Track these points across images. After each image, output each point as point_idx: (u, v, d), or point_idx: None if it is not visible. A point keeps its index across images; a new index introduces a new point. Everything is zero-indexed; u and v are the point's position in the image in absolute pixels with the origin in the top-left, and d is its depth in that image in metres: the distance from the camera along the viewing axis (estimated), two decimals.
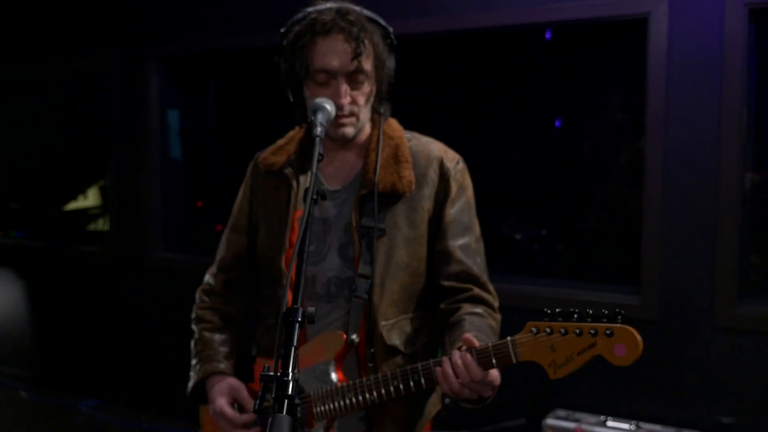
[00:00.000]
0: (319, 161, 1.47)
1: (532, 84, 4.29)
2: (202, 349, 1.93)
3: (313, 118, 1.55)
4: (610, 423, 3.22)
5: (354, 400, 1.67)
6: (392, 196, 1.75)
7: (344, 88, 1.67)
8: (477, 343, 1.55)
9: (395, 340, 1.76)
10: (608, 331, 1.44)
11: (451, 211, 1.79)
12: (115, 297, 4.95)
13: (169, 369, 4.12)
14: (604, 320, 1.45)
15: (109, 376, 5.00)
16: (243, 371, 1.95)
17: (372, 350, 1.74)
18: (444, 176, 1.79)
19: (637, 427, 3.19)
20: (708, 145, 3.14)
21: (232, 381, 1.87)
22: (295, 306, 1.22)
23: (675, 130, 3.21)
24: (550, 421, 3.27)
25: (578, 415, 3.30)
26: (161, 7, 4.63)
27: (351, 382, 1.68)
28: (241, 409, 1.85)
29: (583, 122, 4.25)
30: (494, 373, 1.56)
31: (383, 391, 1.64)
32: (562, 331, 1.47)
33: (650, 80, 3.24)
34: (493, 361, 1.51)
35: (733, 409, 3.12)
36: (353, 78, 1.68)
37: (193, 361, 1.94)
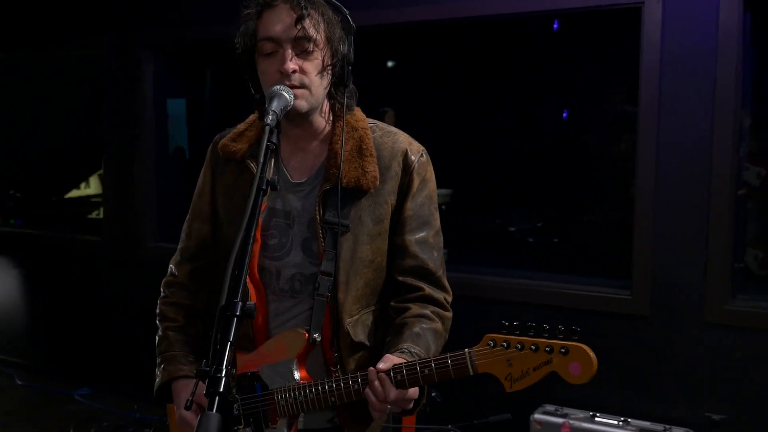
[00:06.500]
0: (272, 150, 1.43)
1: (534, 74, 4.24)
2: (166, 349, 1.89)
3: (267, 105, 1.51)
4: (598, 418, 3.18)
5: (316, 398, 1.64)
6: (356, 192, 1.71)
7: (289, 53, 1.62)
8: (389, 365, 1.56)
9: (361, 335, 1.75)
10: (563, 349, 1.43)
11: (411, 205, 1.76)
12: (110, 286, 4.94)
13: None
14: (560, 337, 1.44)
15: (103, 365, 5.00)
16: None
17: (337, 348, 1.73)
18: (407, 169, 1.75)
19: (626, 422, 3.15)
20: (701, 137, 3.08)
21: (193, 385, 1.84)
22: (234, 300, 1.18)
23: (668, 122, 3.15)
24: (538, 416, 3.23)
25: (566, 410, 3.26)
26: None
27: (313, 382, 1.66)
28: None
29: (586, 114, 4.21)
30: (411, 390, 1.57)
31: (345, 391, 1.62)
32: (519, 346, 1.47)
33: (643, 70, 3.18)
34: (450, 368, 1.52)
35: (723, 405, 3.07)
36: (299, 45, 1.62)
37: (158, 360, 1.91)
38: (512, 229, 4.16)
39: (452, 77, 4.37)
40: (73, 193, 7.18)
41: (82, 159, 6.69)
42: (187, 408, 1.11)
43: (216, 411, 1.05)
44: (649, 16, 3.15)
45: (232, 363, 1.13)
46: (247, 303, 1.19)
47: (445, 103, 4.40)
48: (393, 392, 1.54)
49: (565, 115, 4.57)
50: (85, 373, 5.07)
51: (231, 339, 1.14)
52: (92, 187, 7.26)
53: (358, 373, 1.62)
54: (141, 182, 4.76)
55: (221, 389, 1.07)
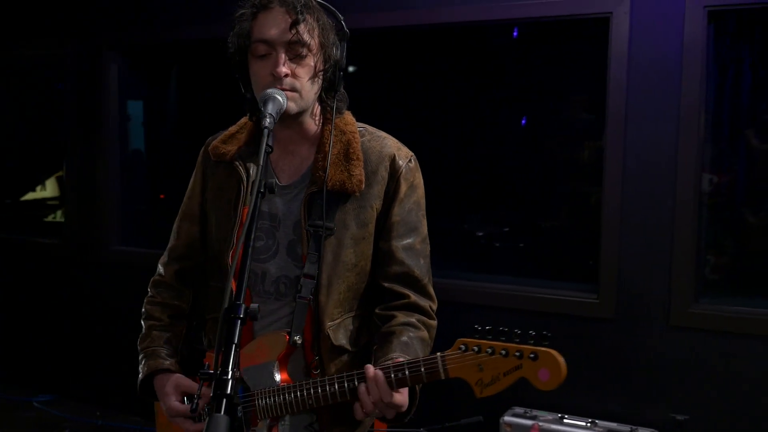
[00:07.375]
0: (268, 153, 1.43)
1: (497, 81, 4.29)
2: (148, 346, 1.89)
3: (262, 108, 1.51)
4: (566, 420, 3.23)
5: (296, 400, 1.64)
6: (341, 195, 1.72)
7: (282, 57, 1.62)
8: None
9: (342, 339, 1.75)
10: (532, 355, 1.42)
11: (399, 210, 1.76)
12: (71, 290, 4.84)
13: (124, 364, 4.03)
14: (531, 342, 1.44)
15: (63, 370, 4.90)
16: (194, 364, 1.91)
17: (318, 352, 1.73)
18: (394, 174, 1.76)
19: (593, 424, 3.20)
20: (667, 146, 3.16)
21: (177, 377, 1.83)
22: (237, 302, 1.18)
23: (634, 131, 3.22)
24: (507, 419, 3.27)
25: (535, 412, 3.31)
26: None
27: (294, 384, 1.66)
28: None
29: (548, 121, 4.26)
30: (398, 398, 1.57)
31: (321, 393, 1.62)
32: (489, 350, 1.46)
33: (611, 80, 3.25)
34: (423, 372, 1.51)
35: (687, 406, 3.15)
36: (293, 49, 1.63)
37: (140, 357, 1.90)
38: (480, 233, 4.20)
39: (414, 83, 4.39)
40: (29, 196, 7.02)
41: (39, 161, 6.53)
42: (194, 411, 1.10)
43: (224, 413, 1.05)
44: (616, 27, 3.22)
45: (237, 365, 1.12)
46: (252, 306, 1.19)
47: (408, 108, 4.42)
48: (387, 394, 1.53)
49: (523, 121, 4.64)
50: (45, 379, 4.96)
51: (236, 341, 1.14)
52: (48, 189, 7.11)
53: (335, 376, 1.62)
54: (103, 184, 4.68)
55: (228, 391, 1.07)
